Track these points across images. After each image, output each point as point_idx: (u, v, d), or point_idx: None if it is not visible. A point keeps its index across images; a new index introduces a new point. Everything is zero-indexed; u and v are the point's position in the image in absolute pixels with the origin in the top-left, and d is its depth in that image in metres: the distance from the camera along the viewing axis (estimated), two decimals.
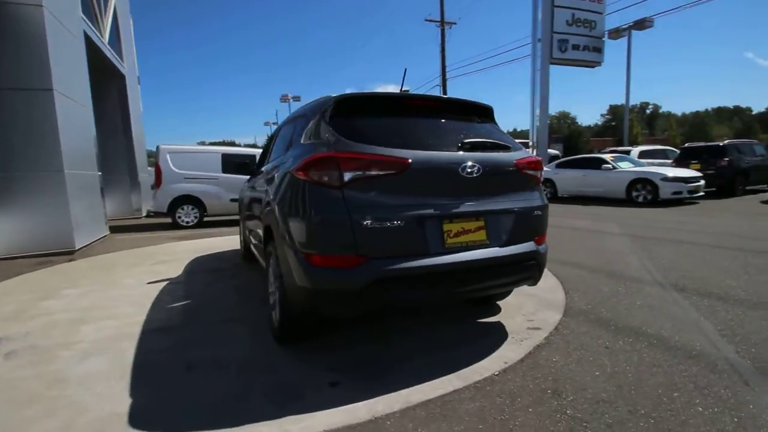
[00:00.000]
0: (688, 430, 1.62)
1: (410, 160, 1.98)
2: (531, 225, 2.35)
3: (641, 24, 17.43)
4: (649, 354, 2.28)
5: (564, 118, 75.67)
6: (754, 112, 78.85)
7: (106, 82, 9.83)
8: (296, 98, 28.98)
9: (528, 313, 2.96)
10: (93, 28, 7.81)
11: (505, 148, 2.36)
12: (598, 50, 19.54)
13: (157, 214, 8.53)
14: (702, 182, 10.06)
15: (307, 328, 2.40)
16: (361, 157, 1.95)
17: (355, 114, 2.19)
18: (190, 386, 2.05)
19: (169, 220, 8.43)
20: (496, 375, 2.11)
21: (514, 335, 2.59)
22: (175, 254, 5.50)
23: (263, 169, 3.40)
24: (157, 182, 8.15)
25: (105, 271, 4.62)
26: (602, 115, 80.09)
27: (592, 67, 19.24)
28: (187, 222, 8.40)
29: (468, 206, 2.11)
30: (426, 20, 30.35)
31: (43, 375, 2.18)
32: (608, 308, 3.03)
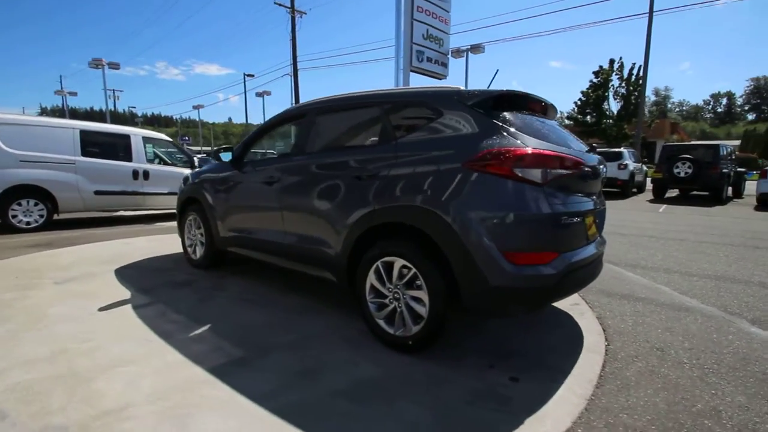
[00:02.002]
0: (752, 354, 2.36)
1: (584, 161, 2.17)
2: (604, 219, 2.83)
3: (476, 48, 21.12)
4: (665, 313, 3.08)
5: None
6: None
7: None
8: (114, 65, 23.09)
9: None
10: None
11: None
12: (445, 65, 22.19)
13: None
14: None
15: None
16: (558, 156, 2.03)
17: (507, 110, 2.19)
18: (386, 420, 1.74)
19: None
20: (609, 346, 2.51)
21: (571, 311, 3.06)
22: (75, 268, 3.98)
23: (306, 160, 2.86)
24: None
25: None
26: None
27: (440, 79, 21.86)
28: (28, 223, 6.00)
29: (593, 203, 2.42)
30: (276, 3, 28.95)
31: None
32: (594, 283, 3.84)
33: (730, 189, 11.79)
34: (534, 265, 1.96)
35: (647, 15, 15.68)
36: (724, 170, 10.98)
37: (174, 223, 7.37)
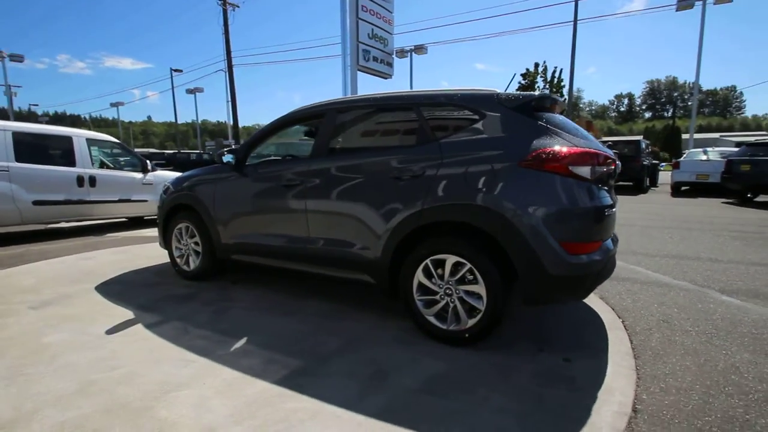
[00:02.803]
0: (735, 318, 2.79)
1: (612, 157, 2.40)
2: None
3: (420, 49, 21.76)
4: (651, 289, 3.49)
5: None
6: None
7: None
8: (17, 57, 19.99)
9: None
10: None
11: None
12: (390, 65, 22.51)
13: None
14: None
15: None
16: (600, 153, 2.22)
17: (542, 111, 2.36)
18: (479, 409, 1.81)
19: None
20: (624, 322, 2.81)
21: None
22: (44, 290, 3.46)
23: (332, 161, 2.79)
24: None
25: None
26: None
27: (385, 78, 22.11)
28: None
29: (611, 198, 2.68)
30: None
31: None
32: None
33: (648, 179, 13.45)
34: (585, 254, 2.15)
35: (572, 23, 17.29)
36: (645, 162, 12.53)
37: (133, 233, 6.75)
